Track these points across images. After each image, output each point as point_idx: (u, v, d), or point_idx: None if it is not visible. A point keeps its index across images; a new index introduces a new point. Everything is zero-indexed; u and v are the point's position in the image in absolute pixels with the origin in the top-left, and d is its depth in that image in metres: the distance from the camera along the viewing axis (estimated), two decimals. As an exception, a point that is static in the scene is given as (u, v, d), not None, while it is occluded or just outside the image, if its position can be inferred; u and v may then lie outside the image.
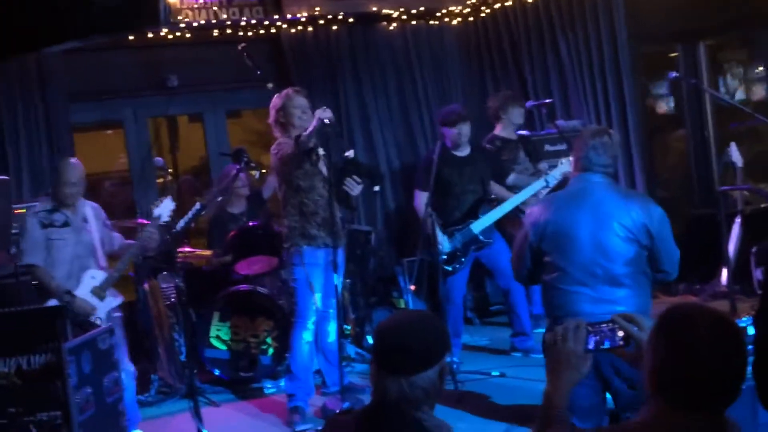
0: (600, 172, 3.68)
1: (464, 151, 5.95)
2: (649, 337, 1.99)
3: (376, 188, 6.06)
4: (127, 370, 4.86)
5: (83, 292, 4.73)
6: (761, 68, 8.48)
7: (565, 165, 5.70)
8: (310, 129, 4.80)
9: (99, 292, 4.76)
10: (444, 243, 5.67)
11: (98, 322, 4.64)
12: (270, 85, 5.59)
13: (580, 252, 3.58)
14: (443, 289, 5.62)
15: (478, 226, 5.80)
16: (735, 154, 6.30)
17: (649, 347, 1.96)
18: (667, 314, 1.97)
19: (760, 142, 8.28)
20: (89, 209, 4.97)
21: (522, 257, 3.77)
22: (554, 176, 5.74)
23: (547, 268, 3.68)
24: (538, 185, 5.78)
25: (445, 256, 5.70)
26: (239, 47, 5.80)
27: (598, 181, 3.68)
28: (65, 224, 4.84)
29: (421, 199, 5.84)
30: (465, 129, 5.86)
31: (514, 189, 6.00)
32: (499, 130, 6.50)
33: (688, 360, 1.87)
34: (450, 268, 5.77)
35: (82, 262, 4.83)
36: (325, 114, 4.74)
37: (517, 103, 6.49)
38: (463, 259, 5.82)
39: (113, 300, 4.85)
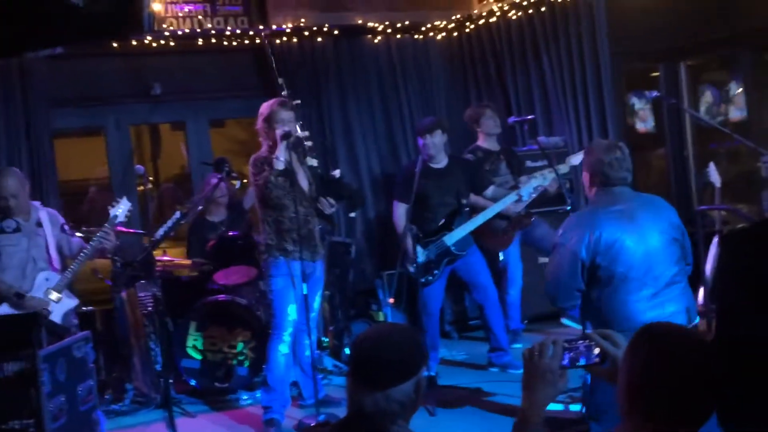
0: (620, 185, 3.75)
1: (441, 163, 5.94)
2: (625, 354, 2.00)
3: (353, 214, 6.03)
4: None
5: (37, 293, 4.78)
6: (740, 89, 8.58)
7: (539, 179, 5.71)
8: (278, 154, 4.85)
9: (53, 293, 4.79)
10: (418, 255, 5.67)
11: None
12: (284, 92, 5.61)
13: (636, 260, 3.61)
14: (420, 301, 5.62)
15: (451, 238, 5.80)
16: (714, 174, 6.35)
17: (624, 364, 1.97)
18: (643, 332, 1.98)
19: (739, 163, 8.36)
20: (45, 214, 5.02)
21: (572, 279, 3.68)
22: (527, 190, 5.73)
23: (604, 282, 3.65)
24: (509, 199, 5.79)
25: (415, 269, 5.68)
26: (263, 36, 5.72)
27: (622, 193, 3.74)
28: (16, 230, 4.88)
29: (399, 210, 5.86)
30: (431, 139, 5.81)
31: (493, 201, 6.00)
32: (481, 141, 6.52)
33: (662, 378, 1.87)
34: (423, 280, 5.76)
35: (36, 265, 4.87)
36: (282, 131, 4.86)
37: (487, 113, 6.46)
38: (436, 271, 5.81)
39: (69, 302, 4.88)
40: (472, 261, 5.95)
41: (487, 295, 5.97)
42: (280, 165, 4.89)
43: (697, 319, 3.91)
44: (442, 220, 5.85)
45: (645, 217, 3.69)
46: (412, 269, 5.67)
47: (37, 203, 5.10)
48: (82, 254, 4.88)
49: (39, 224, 4.95)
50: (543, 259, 6.73)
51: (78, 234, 5.24)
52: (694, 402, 1.87)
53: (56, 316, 4.78)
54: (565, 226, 3.81)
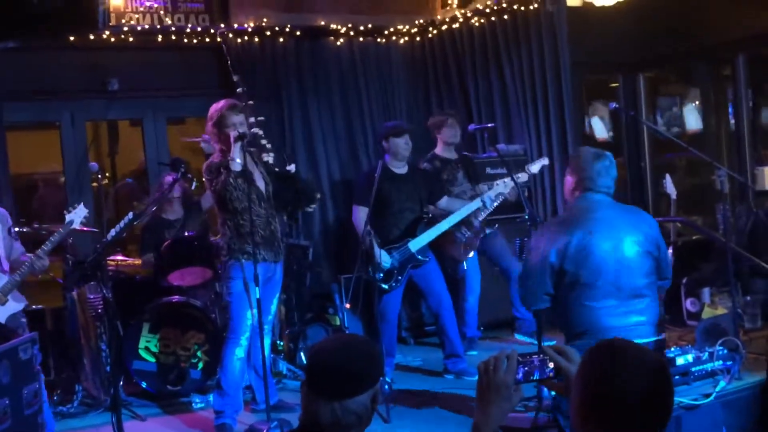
0: (603, 192, 3.83)
1: (403, 169, 5.94)
2: (579, 369, 1.99)
3: (310, 209, 5.94)
4: None
5: None
6: (697, 102, 8.72)
7: (501, 186, 5.76)
8: (234, 155, 4.77)
9: (0, 296, 4.63)
10: (383, 260, 5.63)
11: None
12: (239, 90, 5.52)
13: (606, 268, 3.70)
14: (378, 307, 5.60)
15: (415, 244, 5.78)
16: (669, 185, 6.44)
17: (577, 379, 1.96)
18: (595, 349, 1.98)
19: (695, 175, 8.49)
20: None
21: (541, 282, 3.78)
22: (490, 197, 5.80)
23: (569, 287, 3.74)
24: (473, 206, 5.83)
25: (382, 274, 5.67)
26: (220, 32, 5.57)
27: (602, 200, 3.82)
28: None
29: (360, 214, 5.82)
30: (403, 141, 5.82)
31: (447, 212, 5.97)
32: (439, 149, 6.54)
33: (615, 394, 1.87)
34: (386, 286, 5.74)
35: None
36: (236, 133, 4.80)
37: (448, 122, 6.47)
38: (399, 278, 5.79)
39: (16, 305, 4.72)
40: (429, 268, 5.94)
41: (442, 302, 5.96)
42: (237, 167, 4.82)
43: (663, 335, 3.97)
44: (405, 226, 5.83)
45: (621, 227, 3.77)
46: (377, 275, 5.61)
47: None
48: (19, 271, 4.69)
49: None
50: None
51: (26, 229, 5.06)
52: (642, 422, 1.87)
53: (1, 318, 4.62)
54: (541, 230, 3.92)
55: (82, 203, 4.92)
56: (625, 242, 3.73)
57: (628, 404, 1.86)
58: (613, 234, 3.73)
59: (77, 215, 4.84)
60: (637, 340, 3.33)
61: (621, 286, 3.71)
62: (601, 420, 1.89)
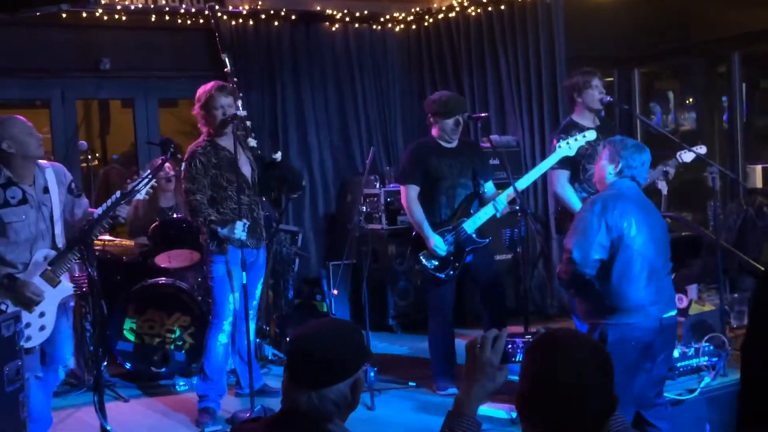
0: (637, 183, 4.16)
1: (453, 143, 5.29)
2: (523, 358, 1.98)
3: (294, 196, 5.68)
4: (64, 367, 4.53)
5: (32, 275, 4.16)
6: (691, 99, 8.72)
7: (584, 138, 5.04)
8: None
9: (52, 276, 4.20)
10: (437, 246, 5.05)
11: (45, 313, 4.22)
12: (227, 69, 5.43)
13: (651, 248, 4.01)
14: (430, 302, 5.26)
15: (471, 224, 5.13)
16: (661, 181, 6.41)
17: (520, 372, 1.94)
18: (538, 339, 1.97)
19: (687, 171, 8.48)
20: (51, 174, 4.26)
21: (601, 247, 3.96)
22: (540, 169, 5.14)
23: (617, 262, 3.97)
24: (550, 161, 5.12)
25: (436, 262, 5.13)
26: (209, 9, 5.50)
27: (635, 187, 4.14)
28: (22, 201, 4.15)
29: (411, 194, 5.17)
30: (457, 122, 5.20)
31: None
32: (577, 115, 5.56)
33: (554, 385, 1.85)
34: (442, 275, 5.13)
35: (44, 241, 4.22)
36: (222, 116, 4.80)
37: (593, 82, 5.44)
38: (457, 264, 5.13)
39: (69, 287, 4.33)
40: (484, 254, 5.30)
41: (496, 295, 5.30)
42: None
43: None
44: (458, 205, 5.21)
45: (654, 214, 4.14)
46: (429, 263, 5.11)
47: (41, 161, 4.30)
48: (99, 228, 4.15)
49: (46, 190, 4.22)
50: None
51: None
52: (581, 416, 1.85)
53: (53, 303, 4.23)
54: (596, 200, 4.08)
55: (148, 170, 4.38)
56: (658, 228, 4.09)
57: (563, 400, 1.84)
58: (654, 219, 4.08)
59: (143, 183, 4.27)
60: (672, 313, 4.11)
61: (663, 265, 4.08)
62: (537, 414, 1.88)
